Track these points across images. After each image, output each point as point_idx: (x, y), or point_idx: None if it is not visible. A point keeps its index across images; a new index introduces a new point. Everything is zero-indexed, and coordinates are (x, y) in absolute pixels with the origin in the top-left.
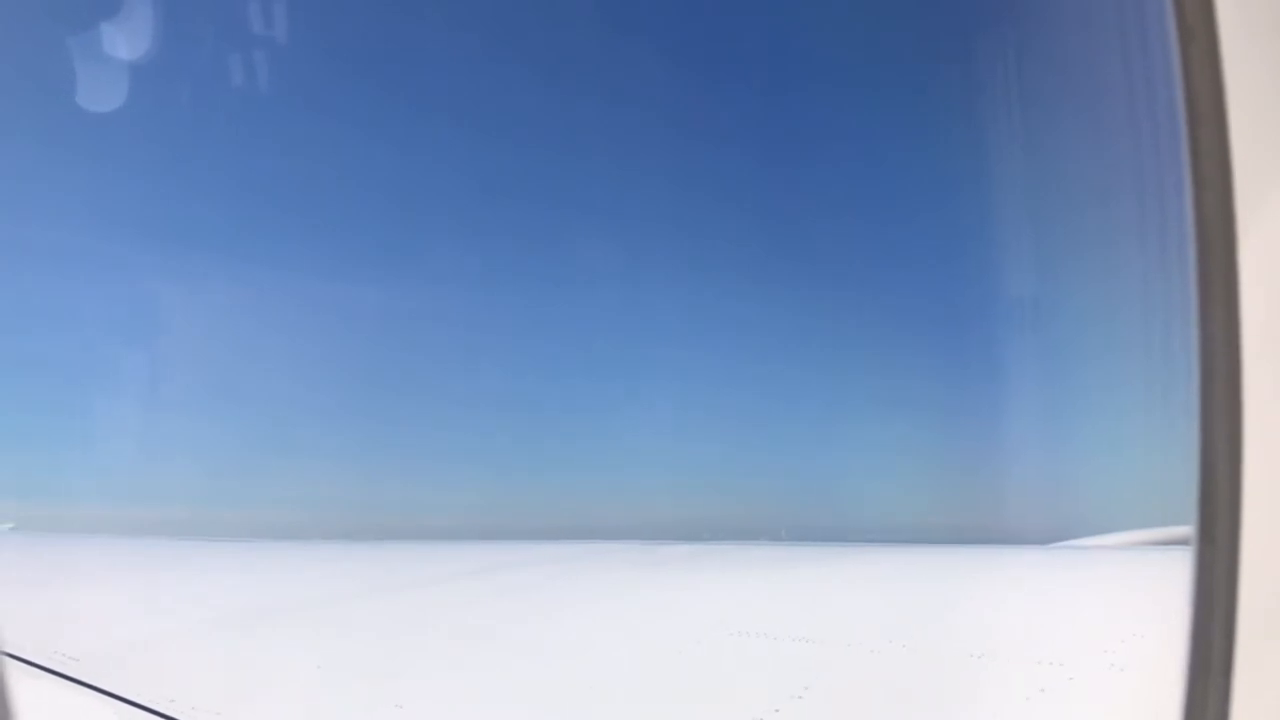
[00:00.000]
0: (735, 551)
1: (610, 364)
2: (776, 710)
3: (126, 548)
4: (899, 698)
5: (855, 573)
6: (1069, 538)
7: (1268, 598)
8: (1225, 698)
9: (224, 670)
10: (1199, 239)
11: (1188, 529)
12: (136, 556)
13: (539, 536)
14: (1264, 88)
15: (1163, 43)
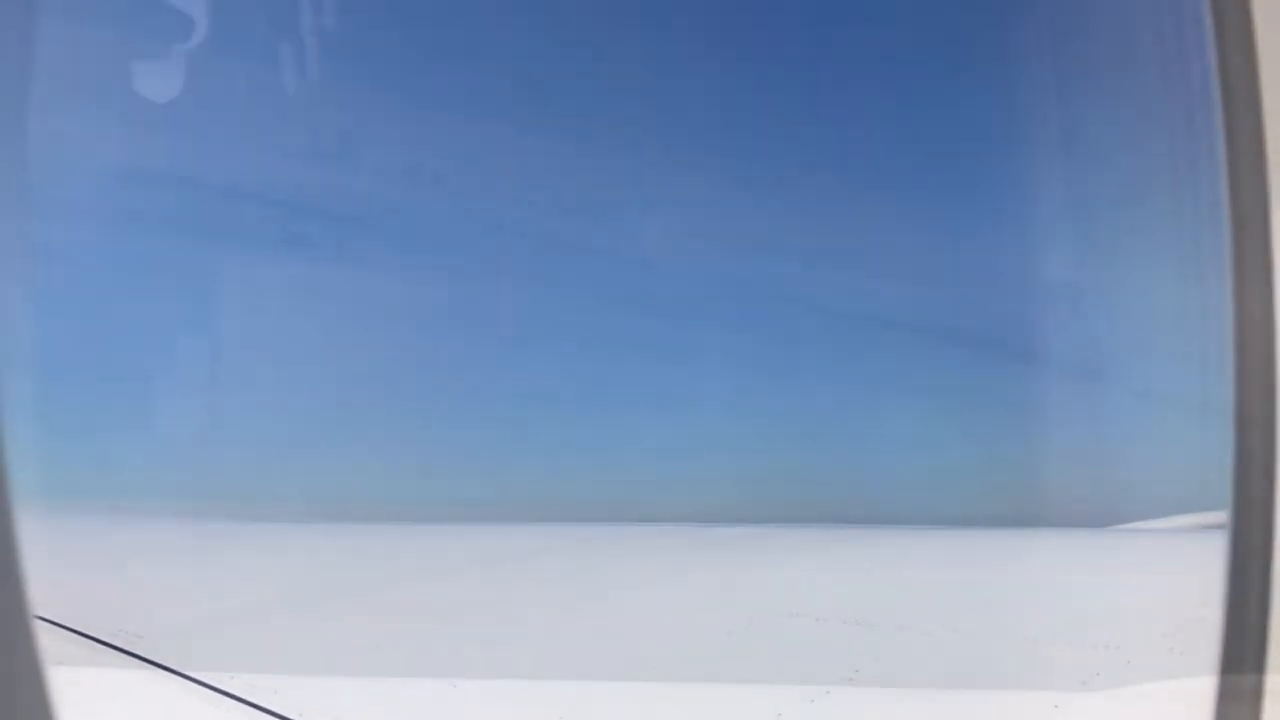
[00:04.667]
0: (786, 534)
1: (658, 352)
2: (827, 692)
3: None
4: (950, 681)
5: (906, 556)
6: (1122, 521)
7: None
8: (1259, 684)
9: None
10: (1234, 229)
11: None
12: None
13: (589, 519)
14: None
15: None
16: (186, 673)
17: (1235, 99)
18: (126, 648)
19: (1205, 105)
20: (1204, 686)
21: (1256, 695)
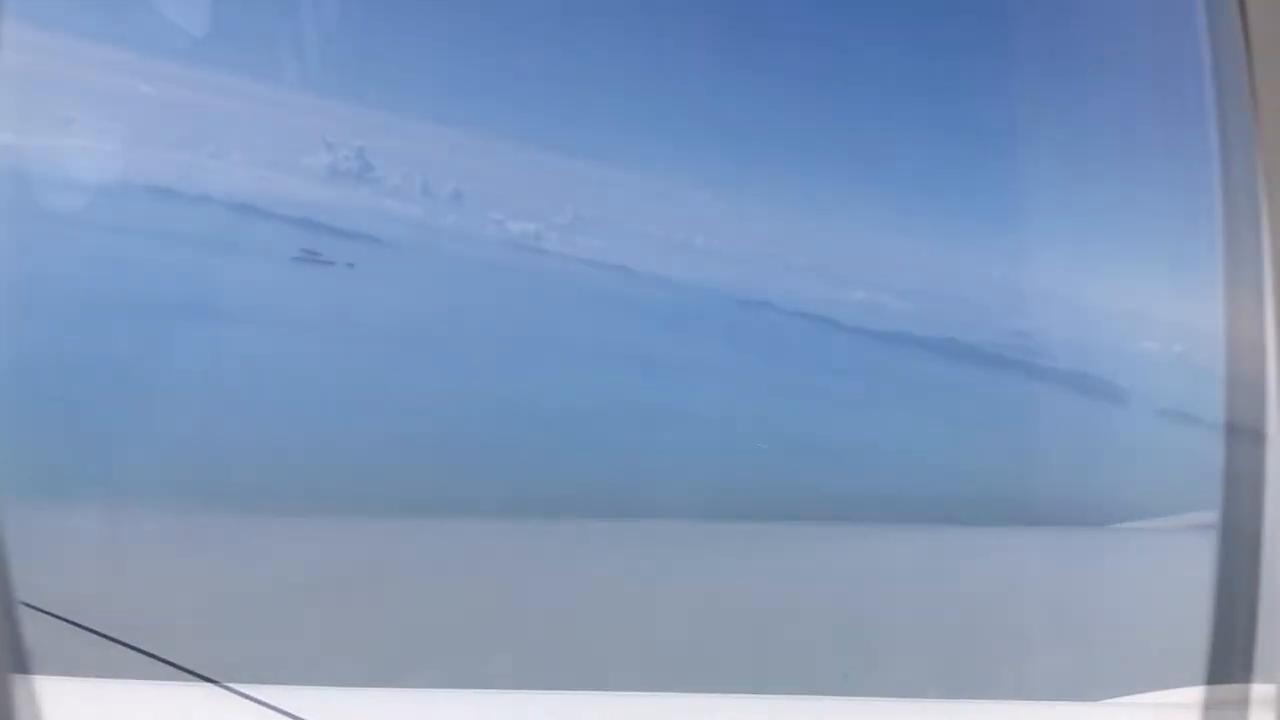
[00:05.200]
0: (783, 532)
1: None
2: (822, 695)
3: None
4: (948, 682)
5: (908, 555)
6: (1116, 520)
7: None
8: (1245, 693)
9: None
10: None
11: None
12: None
13: (586, 517)
14: None
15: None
16: (180, 663)
17: (1229, 99)
18: (124, 640)
19: (1199, 108)
20: (1193, 694)
21: (1243, 704)
